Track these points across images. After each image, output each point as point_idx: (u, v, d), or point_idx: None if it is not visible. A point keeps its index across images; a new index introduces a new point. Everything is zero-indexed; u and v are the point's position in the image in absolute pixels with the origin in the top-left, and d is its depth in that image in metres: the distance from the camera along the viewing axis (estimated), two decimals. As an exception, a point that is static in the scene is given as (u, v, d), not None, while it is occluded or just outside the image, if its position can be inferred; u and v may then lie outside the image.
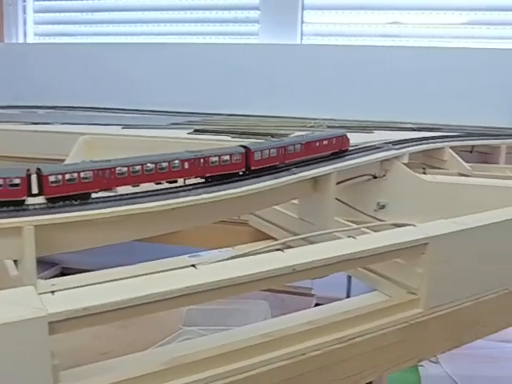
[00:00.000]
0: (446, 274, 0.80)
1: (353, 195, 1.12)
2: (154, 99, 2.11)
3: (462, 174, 1.25)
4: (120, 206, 0.71)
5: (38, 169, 0.69)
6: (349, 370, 0.73)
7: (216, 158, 0.79)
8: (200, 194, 0.76)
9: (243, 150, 0.83)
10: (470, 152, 1.48)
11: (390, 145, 1.15)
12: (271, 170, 0.87)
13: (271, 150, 0.87)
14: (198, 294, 0.56)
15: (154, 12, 2.43)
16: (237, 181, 0.82)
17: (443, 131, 1.57)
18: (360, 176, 1.07)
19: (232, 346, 0.61)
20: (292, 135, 1.16)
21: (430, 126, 1.66)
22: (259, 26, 2.27)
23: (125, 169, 0.72)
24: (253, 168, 0.84)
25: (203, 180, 0.80)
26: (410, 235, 0.75)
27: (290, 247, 0.78)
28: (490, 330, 0.95)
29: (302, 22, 2.23)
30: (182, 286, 0.54)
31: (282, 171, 0.88)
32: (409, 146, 1.20)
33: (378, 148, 1.12)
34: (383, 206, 1.10)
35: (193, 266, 0.60)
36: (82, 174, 0.69)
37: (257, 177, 0.84)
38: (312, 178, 0.92)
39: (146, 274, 0.60)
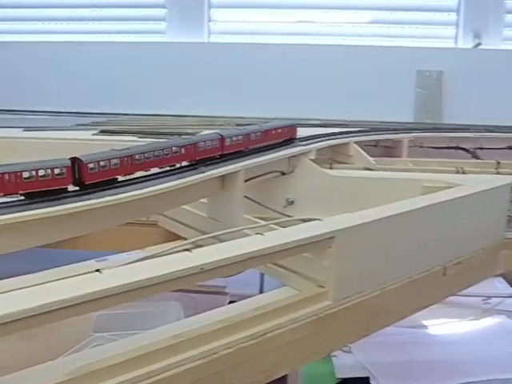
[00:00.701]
0: (352, 266, 0.82)
1: (262, 192, 1.13)
2: (58, 99, 2.04)
3: (367, 168, 1.29)
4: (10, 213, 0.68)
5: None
6: (262, 366, 0.74)
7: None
8: (103, 197, 0.74)
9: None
10: (375, 146, 1.53)
11: (298, 141, 1.17)
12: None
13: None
14: (102, 300, 0.54)
15: (55, 9, 2.35)
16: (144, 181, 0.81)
17: (349, 127, 1.61)
18: (268, 173, 1.08)
19: (142, 350, 0.60)
20: (199, 134, 1.15)
21: (337, 122, 1.70)
22: (166, 24, 2.25)
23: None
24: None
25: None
26: (317, 230, 0.76)
27: (199, 246, 0.77)
28: (397, 317, 0.98)
29: (209, 20, 2.23)
30: (85, 292, 0.52)
31: (190, 170, 0.87)
32: (315, 142, 1.22)
33: (285, 145, 1.13)
34: (292, 202, 1.12)
35: (97, 270, 0.58)
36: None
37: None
38: (220, 177, 0.92)
39: (48, 282, 0.58)
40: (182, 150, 0.88)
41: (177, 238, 1.07)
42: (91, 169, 0.75)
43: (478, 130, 1.66)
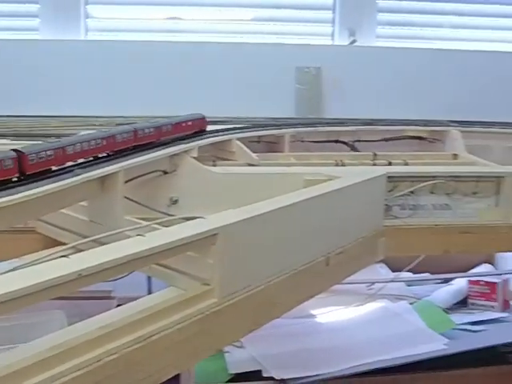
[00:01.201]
0: (237, 262, 0.83)
1: (145, 192, 1.11)
2: None
3: (249, 164, 1.30)
4: None
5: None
6: (149, 370, 0.72)
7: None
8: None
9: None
10: (258, 142, 1.55)
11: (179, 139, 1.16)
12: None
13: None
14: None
15: None
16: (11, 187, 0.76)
17: (232, 123, 1.62)
18: (150, 172, 1.07)
19: (16, 365, 0.57)
20: (79, 134, 1.12)
21: (220, 119, 1.71)
22: (39, 21, 2.15)
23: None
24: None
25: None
26: (199, 227, 0.76)
27: (80, 251, 0.74)
28: (284, 309, 1.00)
29: (86, 17, 2.16)
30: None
31: (65, 173, 0.84)
32: (197, 140, 1.22)
33: (166, 143, 1.11)
34: (176, 201, 1.11)
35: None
36: None
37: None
38: (98, 178, 0.89)
39: None
40: (104, 142, 0.94)
41: (57, 243, 1.02)
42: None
43: (356, 123, 1.72)
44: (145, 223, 0.82)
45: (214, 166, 1.24)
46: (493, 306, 1.77)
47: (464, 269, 1.99)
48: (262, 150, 1.56)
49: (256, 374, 1.38)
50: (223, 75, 1.96)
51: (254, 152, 1.40)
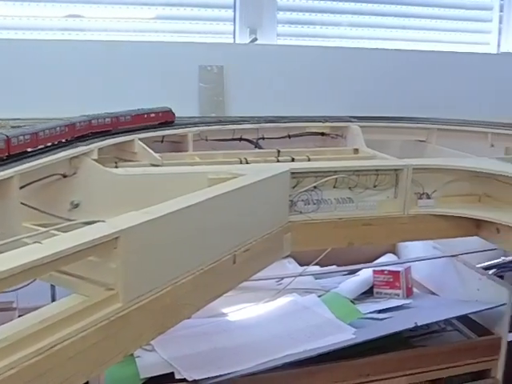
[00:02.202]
0: (142, 265, 0.82)
1: (44, 197, 1.07)
2: None
3: (153, 165, 1.28)
4: None
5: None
6: (54, 381, 0.70)
7: None
8: None
9: None
10: (161, 142, 1.53)
11: (77, 142, 1.12)
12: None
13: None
14: None
15: None
16: None
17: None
18: (48, 176, 1.03)
19: None
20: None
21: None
22: None
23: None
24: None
25: None
26: (100, 231, 0.74)
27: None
28: (192, 310, 1.00)
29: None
30: None
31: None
32: (97, 142, 1.19)
33: (64, 146, 1.08)
34: (77, 205, 1.08)
35: None
36: None
37: None
38: (-9, 184, 0.85)
39: None
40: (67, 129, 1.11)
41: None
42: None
43: (259, 121, 1.74)
44: (43, 229, 0.79)
45: (116, 167, 1.22)
46: (397, 294, 1.84)
47: (369, 259, 2.06)
48: (166, 149, 1.54)
49: (169, 377, 1.36)
50: (125, 74, 1.91)
51: (158, 152, 1.38)
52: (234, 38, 2.23)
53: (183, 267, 0.92)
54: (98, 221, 0.78)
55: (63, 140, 1.10)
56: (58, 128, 1.08)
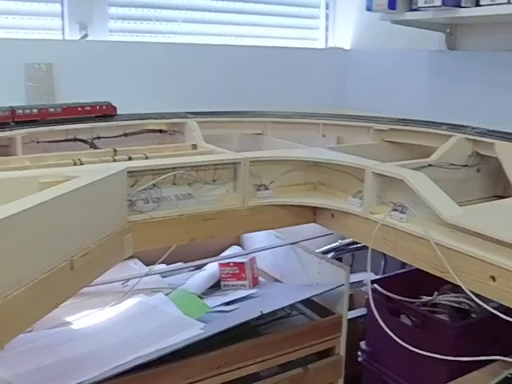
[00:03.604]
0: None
1: None
2: None
3: (-23, 171, 1.19)
4: None
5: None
6: None
7: None
8: None
9: None
10: (-13, 146, 1.43)
11: None
12: None
13: None
14: None
15: None
16: None
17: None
18: None
19: None
20: None
21: None
22: None
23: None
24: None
25: None
26: None
27: None
28: (28, 323, 0.94)
29: None
30: None
31: None
32: None
33: None
34: None
35: None
36: None
37: None
38: None
39: None
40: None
41: None
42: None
43: (94, 120, 1.68)
44: None
45: None
46: (244, 285, 1.88)
47: (215, 253, 2.08)
48: (-7, 154, 1.44)
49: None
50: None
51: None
52: (64, 34, 2.13)
53: (14, 279, 0.87)
54: None
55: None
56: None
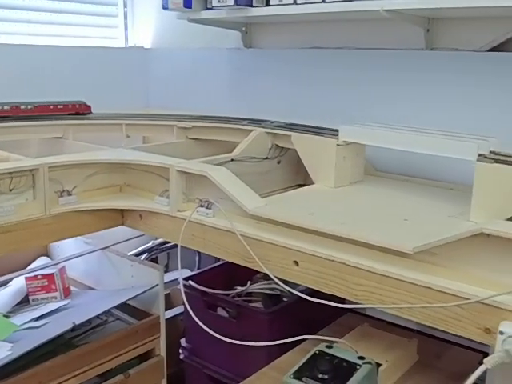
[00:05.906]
0: None
1: None
2: None
3: None
4: None
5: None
6: None
7: None
8: None
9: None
10: None
11: None
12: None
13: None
14: None
15: None
16: None
17: None
18: None
19: None
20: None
21: None
22: None
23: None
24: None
25: None
26: None
27: None
28: None
29: None
30: None
31: None
32: None
33: None
34: None
35: None
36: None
37: None
38: None
39: None
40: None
41: None
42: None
43: None
44: None
45: None
46: (55, 297, 1.78)
47: (21, 266, 1.95)
48: None
49: None
50: None
51: None
52: None
53: None
54: None
55: None
56: None
